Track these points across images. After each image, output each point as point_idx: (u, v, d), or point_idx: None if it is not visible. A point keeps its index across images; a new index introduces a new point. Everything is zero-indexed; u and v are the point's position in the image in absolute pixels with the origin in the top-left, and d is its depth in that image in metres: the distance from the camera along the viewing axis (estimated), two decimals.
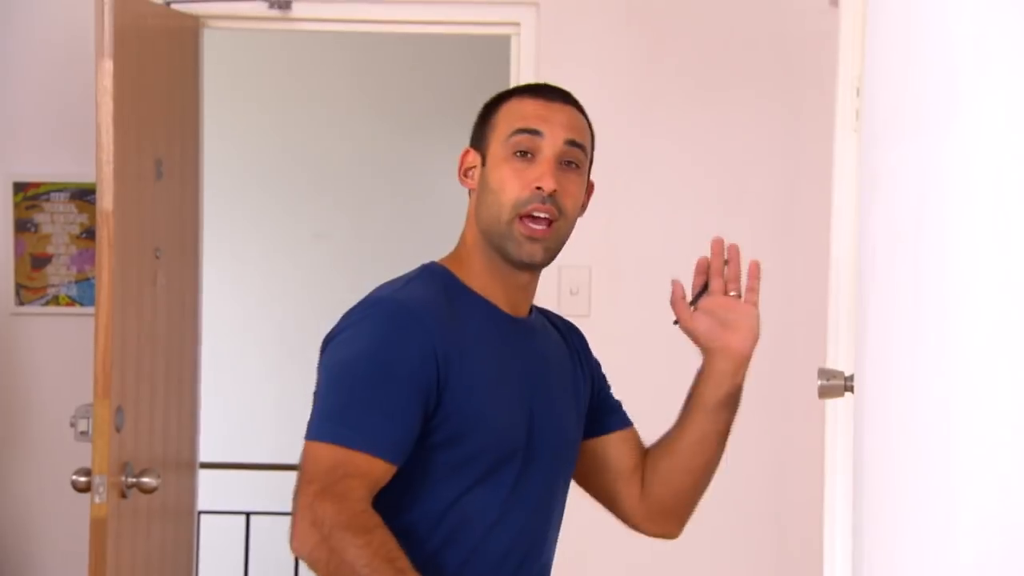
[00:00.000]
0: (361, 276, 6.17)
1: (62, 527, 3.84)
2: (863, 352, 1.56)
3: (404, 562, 1.78)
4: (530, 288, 2.08)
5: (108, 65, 3.21)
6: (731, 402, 2.10)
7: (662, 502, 2.16)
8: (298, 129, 6.27)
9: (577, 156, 2.03)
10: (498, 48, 4.16)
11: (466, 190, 2.08)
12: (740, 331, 2.07)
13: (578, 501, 2.20)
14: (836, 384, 1.72)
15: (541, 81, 2.18)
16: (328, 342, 1.97)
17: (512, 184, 1.98)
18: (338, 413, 1.88)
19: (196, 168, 3.89)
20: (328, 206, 6.27)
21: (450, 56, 6.04)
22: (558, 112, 2.04)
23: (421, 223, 6.09)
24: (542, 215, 1.98)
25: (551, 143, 2.00)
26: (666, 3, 3.91)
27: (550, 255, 2.02)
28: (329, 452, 1.84)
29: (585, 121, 2.07)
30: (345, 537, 1.78)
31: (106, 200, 3.22)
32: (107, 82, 3.21)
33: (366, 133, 6.29)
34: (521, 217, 1.98)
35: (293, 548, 1.84)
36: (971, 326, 0.91)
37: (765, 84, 3.89)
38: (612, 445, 2.19)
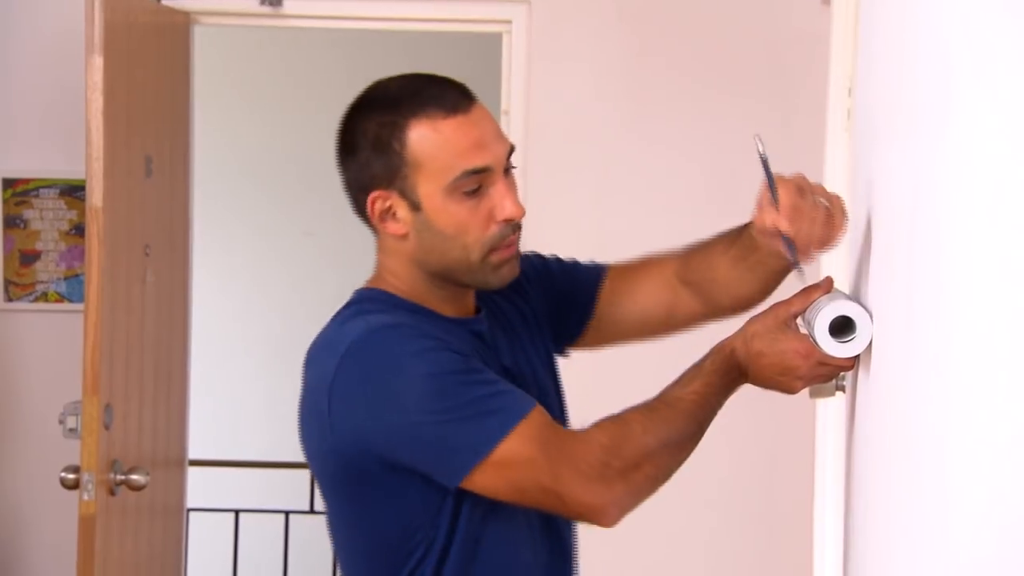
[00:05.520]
0: (350, 274, 6.15)
1: (50, 524, 3.84)
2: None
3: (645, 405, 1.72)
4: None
5: (98, 61, 3.20)
6: (773, 259, 1.95)
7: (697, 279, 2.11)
8: (288, 127, 6.25)
9: (510, 159, 1.80)
10: (489, 46, 4.15)
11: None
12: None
13: None
14: (827, 384, 1.72)
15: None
16: (363, 406, 1.71)
17: (474, 224, 1.75)
18: (480, 411, 1.68)
19: (186, 165, 3.88)
20: (318, 204, 6.25)
21: (441, 54, 5.99)
22: (482, 122, 1.76)
23: None
24: (511, 243, 1.79)
25: (497, 167, 1.76)
26: (657, 1, 3.91)
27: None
28: (516, 435, 1.67)
29: None
30: (612, 438, 1.67)
31: (96, 196, 3.21)
32: (97, 78, 3.20)
33: None
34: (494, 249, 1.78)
35: (611, 519, 1.68)
36: (967, 328, 0.91)
37: (757, 83, 3.89)
38: (613, 293, 2.04)
